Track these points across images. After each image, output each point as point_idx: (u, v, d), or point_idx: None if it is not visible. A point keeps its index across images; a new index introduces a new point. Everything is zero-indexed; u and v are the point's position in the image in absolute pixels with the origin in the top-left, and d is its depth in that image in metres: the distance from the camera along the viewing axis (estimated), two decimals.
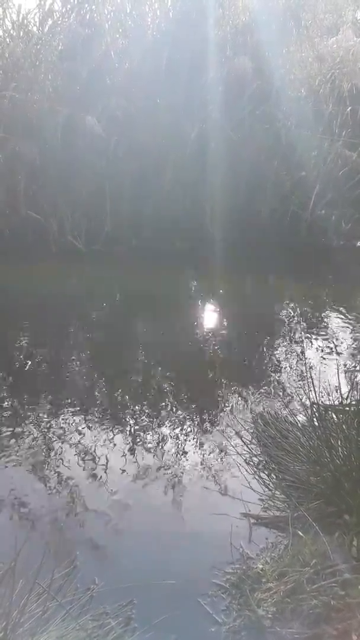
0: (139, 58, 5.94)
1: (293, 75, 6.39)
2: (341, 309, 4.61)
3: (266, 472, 2.46)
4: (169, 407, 3.08)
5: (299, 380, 3.32)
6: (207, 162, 5.96)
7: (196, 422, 2.92)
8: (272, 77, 6.18)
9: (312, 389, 2.54)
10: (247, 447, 2.63)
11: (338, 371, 3.03)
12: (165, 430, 2.84)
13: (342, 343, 3.90)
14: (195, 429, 2.86)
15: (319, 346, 3.84)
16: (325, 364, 3.55)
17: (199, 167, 5.97)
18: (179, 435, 2.80)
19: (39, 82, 5.73)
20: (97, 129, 5.34)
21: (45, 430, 2.83)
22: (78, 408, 3.05)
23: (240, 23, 6.39)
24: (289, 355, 3.71)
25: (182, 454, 2.63)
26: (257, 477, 2.44)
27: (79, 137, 5.61)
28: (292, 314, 4.57)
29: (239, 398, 3.17)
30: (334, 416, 2.51)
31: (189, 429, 2.85)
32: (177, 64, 5.88)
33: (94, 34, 5.94)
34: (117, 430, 2.83)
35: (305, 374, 3.34)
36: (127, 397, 3.21)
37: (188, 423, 2.91)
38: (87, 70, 5.75)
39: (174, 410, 3.04)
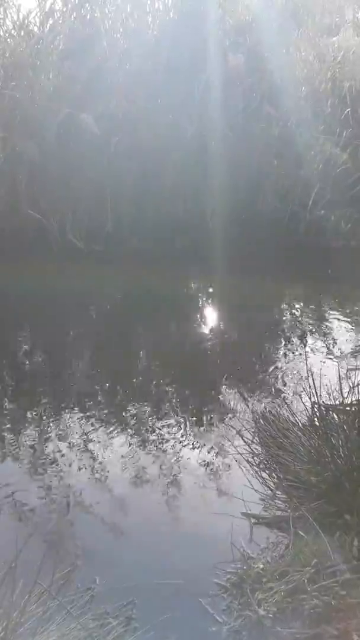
0: (139, 58, 5.94)
1: (293, 75, 6.38)
2: (341, 309, 4.60)
3: (267, 472, 2.46)
4: (170, 407, 3.08)
5: (299, 380, 3.32)
6: (208, 161, 5.96)
7: (197, 422, 2.92)
8: (272, 76, 6.18)
9: (313, 389, 2.54)
10: (249, 446, 2.63)
11: (339, 371, 3.03)
12: (166, 430, 2.84)
13: (342, 343, 3.90)
14: (196, 429, 2.86)
15: (320, 346, 3.84)
16: (326, 364, 3.55)
17: (199, 167, 5.97)
18: (180, 435, 2.80)
19: (40, 82, 5.72)
20: (92, 127, 5.32)
21: (45, 429, 2.82)
22: (78, 408, 3.05)
23: (240, 23, 6.39)
24: (289, 355, 3.71)
25: (182, 454, 2.63)
26: (258, 476, 2.44)
27: (80, 137, 5.61)
28: (293, 313, 4.57)
29: (240, 398, 3.16)
30: (335, 416, 2.51)
31: (190, 429, 2.85)
32: (177, 64, 5.89)
33: (95, 34, 5.94)
34: (117, 430, 2.83)
35: (306, 374, 3.33)
36: (127, 397, 3.21)
37: (189, 423, 2.91)
38: (87, 70, 5.74)
39: (175, 410, 3.04)
